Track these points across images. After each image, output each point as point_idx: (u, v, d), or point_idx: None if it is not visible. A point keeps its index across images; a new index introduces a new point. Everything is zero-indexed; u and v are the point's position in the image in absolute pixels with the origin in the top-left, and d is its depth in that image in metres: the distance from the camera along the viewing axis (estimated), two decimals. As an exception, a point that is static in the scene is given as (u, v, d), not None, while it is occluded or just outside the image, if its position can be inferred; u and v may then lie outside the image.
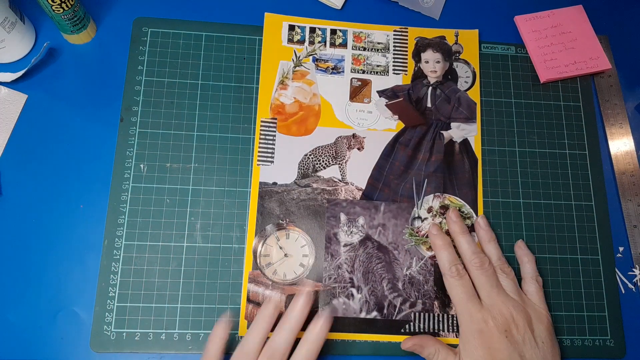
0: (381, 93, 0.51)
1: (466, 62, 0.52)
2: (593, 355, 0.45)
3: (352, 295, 0.44)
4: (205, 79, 0.49)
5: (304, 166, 0.48)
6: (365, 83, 0.51)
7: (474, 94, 0.51)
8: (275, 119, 0.48)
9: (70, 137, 0.47)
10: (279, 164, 0.47)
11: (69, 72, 0.49)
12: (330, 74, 0.51)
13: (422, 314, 0.44)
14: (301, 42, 0.51)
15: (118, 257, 0.44)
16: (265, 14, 0.52)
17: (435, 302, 0.45)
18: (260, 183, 0.47)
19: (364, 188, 0.47)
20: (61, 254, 0.44)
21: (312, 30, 0.52)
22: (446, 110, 0.50)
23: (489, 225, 0.46)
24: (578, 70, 0.53)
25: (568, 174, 0.50)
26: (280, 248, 0.45)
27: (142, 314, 0.43)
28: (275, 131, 0.48)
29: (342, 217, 0.46)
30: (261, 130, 0.48)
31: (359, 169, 0.48)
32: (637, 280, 0.48)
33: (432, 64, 0.52)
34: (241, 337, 0.43)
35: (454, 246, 0.45)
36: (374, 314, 0.44)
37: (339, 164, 0.48)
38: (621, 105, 0.53)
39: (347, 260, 0.45)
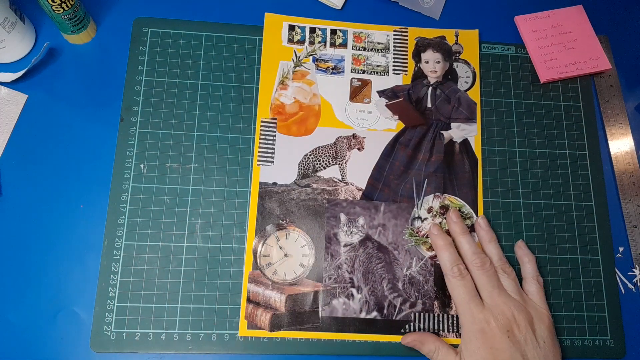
0: (381, 93, 0.51)
1: (466, 62, 0.52)
2: (593, 355, 0.45)
3: (352, 295, 0.44)
4: (205, 79, 0.49)
5: (304, 166, 0.48)
6: (365, 83, 0.51)
7: (474, 94, 0.51)
8: (275, 119, 0.48)
9: (70, 137, 0.47)
10: (279, 164, 0.47)
11: (69, 72, 0.49)
12: (331, 74, 0.51)
13: (422, 314, 0.44)
14: (301, 42, 0.51)
15: (118, 257, 0.44)
16: (265, 14, 0.52)
17: (435, 302, 0.45)
18: (260, 183, 0.47)
19: (364, 188, 0.47)
20: (61, 254, 0.44)
21: (312, 30, 0.52)
22: (446, 111, 0.50)
23: (489, 226, 0.46)
24: (578, 70, 0.53)
25: (568, 174, 0.50)
26: (281, 248, 0.45)
27: (142, 314, 0.43)
28: (275, 131, 0.48)
29: (342, 217, 0.46)
30: (261, 130, 0.48)
31: (359, 169, 0.48)
32: (637, 280, 0.48)
33: (432, 64, 0.52)
34: (241, 337, 0.43)
35: (455, 246, 0.45)
36: (374, 314, 0.44)
37: (339, 164, 0.48)
38: (621, 105, 0.53)
39: (347, 261, 0.45)
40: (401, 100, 0.50)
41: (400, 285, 0.45)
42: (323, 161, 0.48)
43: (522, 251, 0.46)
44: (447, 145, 0.49)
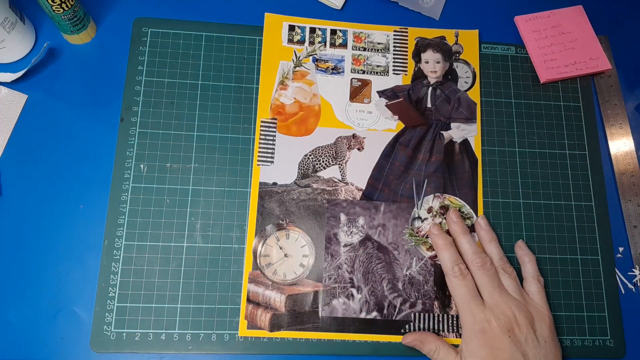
0: (381, 93, 0.51)
1: (466, 63, 0.52)
2: (593, 355, 0.45)
3: (352, 295, 0.44)
4: (205, 79, 0.49)
5: (304, 166, 0.48)
6: (365, 83, 0.51)
7: (474, 94, 0.51)
8: (275, 119, 0.48)
9: (70, 137, 0.47)
10: (279, 164, 0.47)
11: (69, 72, 0.49)
12: (330, 74, 0.51)
13: (422, 314, 0.44)
14: (301, 42, 0.51)
15: (118, 257, 0.44)
16: (265, 14, 0.52)
17: (435, 303, 0.45)
18: (260, 183, 0.47)
19: (364, 188, 0.47)
20: (61, 254, 0.44)
21: (312, 30, 0.52)
22: (446, 111, 0.50)
23: (489, 225, 0.46)
24: (578, 70, 0.53)
25: (568, 174, 0.50)
26: (280, 248, 0.45)
27: (142, 314, 0.43)
28: (275, 131, 0.48)
29: (342, 217, 0.46)
30: (261, 130, 0.48)
31: (359, 169, 0.48)
32: (637, 281, 0.48)
33: (432, 64, 0.52)
34: (241, 337, 0.43)
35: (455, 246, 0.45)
36: (374, 314, 0.44)
37: (339, 164, 0.48)
38: (621, 106, 0.53)
39: (347, 261, 0.45)
40: (401, 101, 0.50)
41: (400, 285, 0.45)
42: (323, 161, 0.48)
43: (522, 251, 0.46)
44: (447, 145, 0.49)
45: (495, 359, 0.39)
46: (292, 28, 0.51)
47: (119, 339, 0.42)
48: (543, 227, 0.48)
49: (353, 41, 0.52)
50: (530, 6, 0.56)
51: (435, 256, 0.45)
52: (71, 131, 0.47)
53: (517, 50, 0.54)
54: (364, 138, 0.49)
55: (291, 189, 0.47)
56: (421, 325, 0.44)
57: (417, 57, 0.52)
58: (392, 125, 0.50)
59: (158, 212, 0.45)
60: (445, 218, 0.47)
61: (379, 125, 0.50)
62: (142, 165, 0.46)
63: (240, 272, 0.45)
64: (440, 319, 0.44)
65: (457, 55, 0.52)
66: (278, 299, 0.44)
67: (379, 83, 0.51)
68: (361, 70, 0.51)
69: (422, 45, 0.52)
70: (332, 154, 0.48)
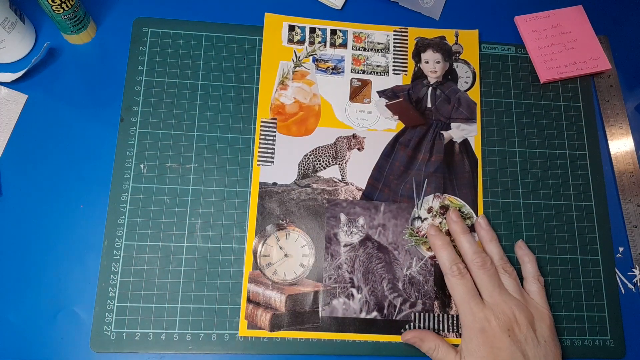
0: (381, 93, 0.51)
1: (466, 62, 0.52)
2: (593, 355, 0.45)
3: (352, 295, 0.44)
4: (205, 79, 0.49)
5: (304, 166, 0.48)
6: (365, 83, 0.51)
7: (474, 94, 0.51)
8: (275, 119, 0.48)
9: (70, 137, 0.47)
10: (279, 164, 0.47)
11: (69, 72, 0.49)
12: (330, 74, 0.51)
13: (422, 314, 0.44)
14: (301, 42, 0.51)
15: (118, 257, 0.44)
16: (265, 14, 0.52)
17: (436, 302, 0.45)
18: (260, 183, 0.47)
19: (364, 188, 0.47)
20: (61, 254, 0.44)
21: (312, 30, 0.52)
22: (446, 111, 0.50)
23: (489, 225, 0.46)
24: (578, 70, 0.53)
25: (568, 174, 0.50)
26: (281, 248, 0.45)
27: (142, 314, 0.43)
28: (275, 131, 0.48)
29: (342, 217, 0.46)
30: (261, 130, 0.48)
31: (359, 169, 0.48)
32: (637, 280, 0.48)
33: (432, 64, 0.52)
34: (241, 337, 0.43)
35: (454, 246, 0.45)
36: (374, 314, 0.44)
37: (339, 164, 0.48)
38: (621, 106, 0.53)
39: (347, 261, 0.45)
40: (401, 101, 0.50)
41: (400, 285, 0.45)
42: (323, 161, 0.48)
43: (522, 251, 0.46)
44: (447, 145, 0.49)
45: (495, 358, 0.39)
46: (292, 28, 0.51)
47: (119, 339, 0.42)
48: (543, 227, 0.48)
49: (353, 41, 0.52)
50: (530, 6, 0.56)
51: (435, 256, 0.45)
52: (71, 131, 0.47)
53: (517, 50, 0.54)
54: (364, 138, 0.49)
55: (291, 189, 0.47)
56: (421, 325, 0.44)
57: (417, 57, 0.52)
58: (392, 125, 0.50)
59: (158, 212, 0.45)
60: (445, 218, 0.47)
61: (379, 125, 0.50)
62: (142, 165, 0.46)
63: (240, 272, 0.45)
64: (440, 319, 0.44)
65: (457, 55, 0.52)
66: (278, 299, 0.44)
67: (379, 83, 0.51)
68: (361, 70, 0.51)
69: (422, 45, 0.52)
70: (332, 154, 0.48)
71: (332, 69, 0.51)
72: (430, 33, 0.53)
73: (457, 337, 0.44)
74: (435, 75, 0.51)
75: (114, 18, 0.51)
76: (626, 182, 0.50)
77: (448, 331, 0.44)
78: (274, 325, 0.43)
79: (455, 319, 0.44)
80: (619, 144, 0.52)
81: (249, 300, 0.44)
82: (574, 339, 0.46)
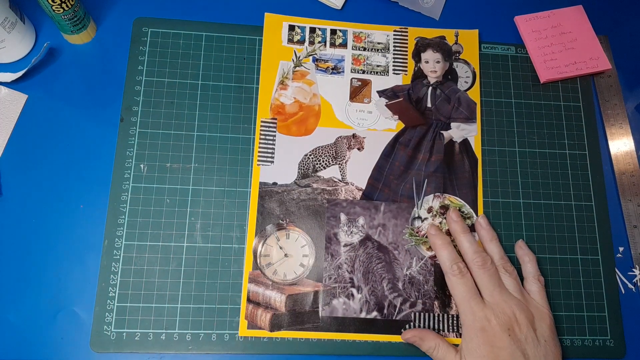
0: (381, 93, 0.51)
1: (466, 62, 0.52)
2: (593, 355, 0.45)
3: (352, 295, 0.44)
4: (205, 79, 0.49)
5: (304, 166, 0.48)
6: (365, 83, 0.51)
7: (474, 94, 0.51)
8: (275, 119, 0.48)
9: (70, 137, 0.47)
10: (279, 164, 0.47)
11: (69, 72, 0.49)
12: (330, 74, 0.51)
13: (422, 314, 0.44)
14: (301, 42, 0.51)
15: (118, 257, 0.44)
16: (265, 14, 0.52)
17: (436, 302, 0.45)
18: (260, 183, 0.47)
19: (364, 188, 0.47)
20: (61, 254, 0.44)
21: (312, 30, 0.52)
22: (446, 110, 0.50)
23: (490, 225, 0.46)
24: (578, 70, 0.53)
25: (568, 174, 0.50)
26: (281, 248, 0.45)
27: (142, 314, 0.43)
28: (275, 131, 0.48)
29: (342, 217, 0.46)
30: (261, 130, 0.48)
31: (359, 169, 0.48)
32: (637, 280, 0.48)
33: (432, 64, 0.52)
34: (241, 337, 0.43)
35: (454, 246, 0.45)
36: (374, 314, 0.44)
37: (339, 164, 0.48)
38: (621, 105, 0.53)
39: (347, 260, 0.45)
40: (401, 100, 0.50)
41: (400, 285, 0.45)
42: (323, 161, 0.48)
43: (522, 251, 0.46)
44: (447, 145, 0.49)
45: (495, 357, 0.39)
46: (292, 28, 0.51)
47: (119, 339, 0.42)
48: (543, 227, 0.48)
49: (353, 41, 0.52)
50: (530, 6, 0.56)
51: (435, 256, 0.45)
52: (71, 131, 0.47)
53: (517, 50, 0.54)
54: (364, 138, 0.49)
55: (291, 188, 0.47)
56: (421, 325, 0.44)
57: (417, 56, 0.52)
58: (392, 125, 0.50)
59: (158, 212, 0.45)
60: (445, 218, 0.47)
61: (379, 125, 0.50)
62: (142, 165, 0.46)
63: (241, 272, 0.45)
64: (441, 319, 0.44)
65: (457, 55, 0.52)
66: (278, 299, 0.44)
67: (379, 83, 0.51)
68: (361, 70, 0.51)
69: (422, 45, 0.52)
70: (332, 154, 0.48)
71: (332, 69, 0.51)
72: (430, 33, 0.53)
73: (457, 336, 0.44)
74: (435, 75, 0.51)
75: (114, 18, 0.51)
76: (626, 182, 0.50)
77: (448, 331, 0.44)
78: (274, 325, 0.43)
79: (455, 318, 0.44)
80: (619, 144, 0.52)
81: (249, 300, 0.44)
82: (574, 338, 0.45)
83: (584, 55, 0.53)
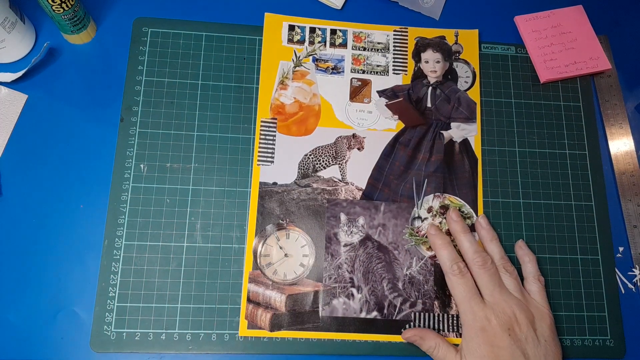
0: (381, 93, 0.51)
1: (466, 62, 0.52)
2: (593, 355, 0.45)
3: (352, 295, 0.44)
4: (205, 79, 0.49)
5: (304, 166, 0.48)
6: (365, 83, 0.51)
7: (474, 94, 0.51)
8: (275, 119, 0.48)
9: (70, 137, 0.47)
10: (279, 164, 0.47)
11: (69, 72, 0.49)
12: (330, 74, 0.51)
13: (422, 314, 0.44)
14: (301, 42, 0.51)
15: (118, 257, 0.44)
16: (265, 14, 0.52)
17: (436, 302, 0.45)
18: (260, 183, 0.47)
19: (364, 188, 0.47)
20: (61, 254, 0.44)
21: (312, 30, 0.52)
22: (446, 110, 0.50)
23: (490, 225, 0.46)
24: (578, 70, 0.53)
25: (568, 174, 0.50)
26: (281, 248, 0.45)
27: (142, 314, 0.43)
28: (275, 131, 0.48)
29: (342, 217, 0.46)
30: (261, 130, 0.48)
31: (359, 169, 0.48)
32: (637, 280, 0.48)
33: (432, 64, 0.52)
34: (241, 337, 0.43)
35: (454, 246, 0.45)
36: (374, 314, 0.44)
37: (339, 164, 0.48)
38: (621, 105, 0.53)
39: (347, 260, 0.45)
40: (401, 100, 0.50)
41: (400, 285, 0.45)
42: (323, 161, 0.48)
43: (522, 251, 0.46)
44: (447, 145, 0.49)
45: (496, 357, 0.39)
46: (292, 28, 0.51)
47: (119, 339, 0.42)
48: (543, 227, 0.48)
49: (353, 41, 0.52)
50: (530, 6, 0.56)
51: (435, 256, 0.45)
52: (71, 131, 0.47)
53: (517, 50, 0.54)
54: (364, 138, 0.49)
55: (291, 188, 0.47)
56: (421, 325, 0.44)
57: (417, 56, 0.52)
58: (392, 125, 0.50)
59: (158, 212, 0.45)
60: (445, 218, 0.47)
61: (379, 125, 0.50)
62: (142, 165, 0.46)
63: (241, 272, 0.45)
64: (441, 319, 0.44)
65: (457, 55, 0.52)
66: (278, 299, 0.44)
67: (379, 83, 0.51)
68: (361, 70, 0.51)
69: (422, 45, 0.52)
70: (332, 154, 0.48)
71: (332, 69, 0.51)
72: (430, 33, 0.53)
73: (457, 336, 0.44)
74: (435, 75, 0.51)
75: (114, 18, 0.51)
76: (626, 182, 0.50)
77: (448, 331, 0.44)
78: (274, 325, 0.43)
79: (455, 318, 0.44)
80: (619, 144, 0.52)
81: (249, 300, 0.44)
82: (574, 338, 0.45)
83: (584, 55, 0.53)
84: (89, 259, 0.44)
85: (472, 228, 0.47)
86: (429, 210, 0.47)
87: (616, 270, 0.48)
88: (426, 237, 0.46)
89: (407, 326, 0.44)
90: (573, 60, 0.53)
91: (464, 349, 0.40)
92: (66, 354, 0.42)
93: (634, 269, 0.48)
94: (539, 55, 0.53)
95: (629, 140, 0.52)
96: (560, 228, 0.48)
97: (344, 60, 0.51)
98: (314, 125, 0.49)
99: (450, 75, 0.51)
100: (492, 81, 0.52)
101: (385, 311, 0.44)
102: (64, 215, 0.45)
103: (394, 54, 0.52)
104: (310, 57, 0.51)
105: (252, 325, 0.43)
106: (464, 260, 0.43)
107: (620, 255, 0.48)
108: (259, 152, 0.47)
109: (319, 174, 0.47)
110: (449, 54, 0.52)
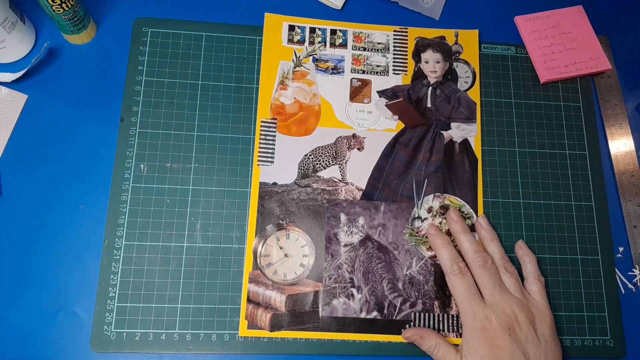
0: (381, 93, 0.51)
1: (466, 62, 0.52)
2: (593, 355, 0.45)
3: (353, 295, 0.44)
4: (205, 79, 0.49)
5: (304, 166, 0.48)
6: (365, 83, 0.51)
7: (474, 94, 0.51)
8: (275, 119, 0.48)
9: (70, 137, 0.47)
10: (279, 164, 0.47)
11: (69, 72, 0.49)
12: (330, 74, 0.51)
13: (422, 314, 0.44)
14: (301, 42, 0.51)
15: (118, 257, 0.44)
16: (265, 14, 0.52)
17: (436, 302, 0.45)
18: (260, 183, 0.47)
19: (364, 188, 0.47)
20: (61, 254, 0.44)
21: (312, 30, 0.52)
22: (446, 110, 0.50)
23: (490, 225, 0.46)
24: (578, 70, 0.53)
25: (568, 174, 0.50)
26: (281, 248, 0.45)
27: (142, 314, 0.43)
28: (275, 131, 0.48)
29: (342, 217, 0.46)
30: (261, 130, 0.48)
31: (359, 169, 0.48)
32: (637, 280, 0.48)
33: (432, 64, 0.52)
34: (241, 337, 0.43)
35: (455, 246, 0.45)
36: (374, 314, 0.44)
37: (339, 164, 0.48)
38: (621, 106, 0.53)
39: (347, 261, 0.45)
40: (401, 100, 0.50)
41: (400, 285, 0.45)
42: (323, 161, 0.48)
43: (522, 251, 0.46)
44: (447, 145, 0.49)
45: (496, 357, 0.39)
46: (292, 28, 0.51)
47: (119, 339, 0.42)
48: (543, 227, 0.48)
49: (353, 41, 0.52)
50: (530, 6, 0.56)
51: (435, 256, 0.45)
52: (71, 131, 0.47)
53: (517, 50, 0.54)
54: (364, 138, 0.49)
55: (291, 189, 0.47)
56: (421, 325, 0.44)
57: (417, 57, 0.52)
58: (392, 125, 0.50)
59: (158, 212, 0.45)
60: (445, 218, 0.47)
61: (379, 125, 0.50)
62: (142, 165, 0.46)
63: (241, 272, 0.45)
64: (441, 319, 0.44)
65: (457, 55, 0.52)
66: (278, 299, 0.44)
67: (379, 83, 0.51)
68: (361, 70, 0.51)
69: (422, 45, 0.52)
70: (332, 154, 0.48)
71: (332, 69, 0.51)
72: (430, 33, 0.53)
73: (457, 337, 0.44)
74: (435, 75, 0.51)
75: (114, 18, 0.51)
76: (626, 182, 0.50)
77: (448, 331, 0.44)
78: (274, 325, 0.43)
79: (455, 318, 0.44)
80: (619, 144, 0.52)
81: (249, 300, 0.44)
82: (574, 339, 0.46)
83: (584, 55, 0.53)
84: (89, 259, 0.44)
85: (472, 228, 0.47)
86: (429, 210, 0.47)
87: (616, 270, 0.48)
88: (426, 237, 0.46)
89: (407, 326, 0.44)
90: (573, 60, 0.53)
91: (464, 348, 0.40)
92: (66, 354, 0.42)
93: (634, 269, 0.48)
94: (539, 56, 0.53)
95: (629, 140, 0.52)
96: (560, 228, 0.48)
97: (344, 60, 0.51)
98: (314, 126, 0.49)
99: (450, 76, 0.51)
100: (492, 81, 0.52)
101: (385, 311, 0.44)
102: (64, 215, 0.45)
103: (394, 54, 0.52)
104: (310, 57, 0.51)
105: (252, 325, 0.43)
106: (464, 260, 0.43)
107: (620, 255, 0.48)
108: (259, 152, 0.47)
109: (319, 174, 0.47)
110: (449, 54, 0.52)
